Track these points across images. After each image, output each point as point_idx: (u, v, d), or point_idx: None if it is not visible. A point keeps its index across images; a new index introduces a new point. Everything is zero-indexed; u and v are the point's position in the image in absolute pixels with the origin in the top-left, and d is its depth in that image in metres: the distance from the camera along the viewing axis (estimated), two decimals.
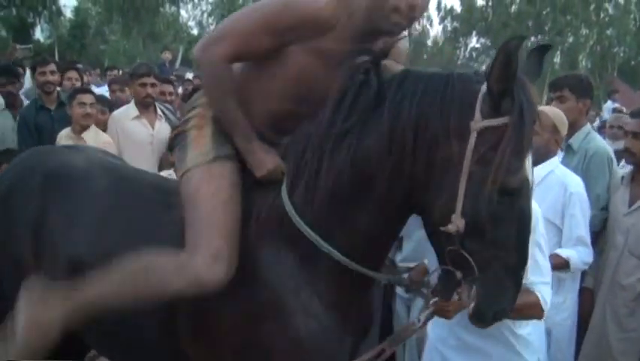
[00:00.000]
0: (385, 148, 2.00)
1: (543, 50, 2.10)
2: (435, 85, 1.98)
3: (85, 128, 4.89)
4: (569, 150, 4.05)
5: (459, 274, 2.00)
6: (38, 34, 34.63)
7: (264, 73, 2.26)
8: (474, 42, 39.06)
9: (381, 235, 2.18)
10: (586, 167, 3.91)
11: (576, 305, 3.70)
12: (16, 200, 2.55)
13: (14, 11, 33.48)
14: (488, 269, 1.96)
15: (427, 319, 2.29)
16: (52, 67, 5.77)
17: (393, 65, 2.28)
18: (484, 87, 1.91)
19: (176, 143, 2.41)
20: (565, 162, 3.84)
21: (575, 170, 3.72)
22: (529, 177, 1.97)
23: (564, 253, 3.39)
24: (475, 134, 1.89)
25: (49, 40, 33.23)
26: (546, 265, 2.72)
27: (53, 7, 34.10)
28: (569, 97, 4.05)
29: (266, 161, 2.23)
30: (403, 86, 2.01)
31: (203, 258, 2.08)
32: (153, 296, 2.14)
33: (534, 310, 2.61)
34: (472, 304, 2.02)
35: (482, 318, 2.04)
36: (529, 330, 2.82)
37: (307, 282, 2.18)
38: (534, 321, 2.82)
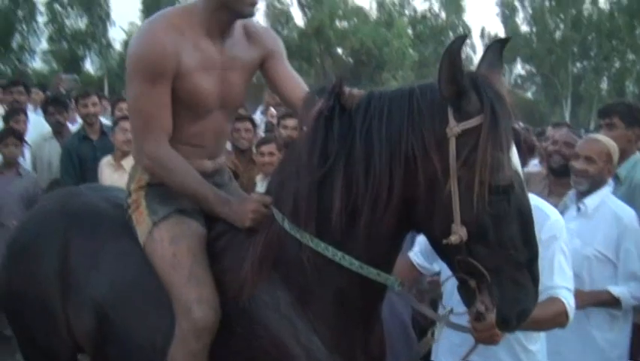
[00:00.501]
0: (363, 177, 1.98)
1: (501, 44, 2.05)
2: (400, 102, 1.97)
3: (126, 154, 4.91)
4: (615, 179, 3.87)
5: (472, 283, 1.94)
6: (88, 66, 35.71)
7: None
8: (518, 69, 38.83)
9: (382, 253, 2.12)
10: (631, 197, 3.78)
11: (628, 341, 3.52)
12: (41, 243, 2.62)
13: (65, 45, 34.60)
14: (501, 271, 1.91)
15: (471, 350, 2.22)
16: (94, 99, 5.92)
17: None
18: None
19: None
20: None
21: (621, 199, 3.58)
22: (519, 171, 1.94)
23: (616, 290, 3.25)
24: (454, 140, 1.87)
25: (99, 72, 34.24)
26: (570, 272, 2.67)
27: (103, 41, 35.17)
28: (619, 125, 3.97)
29: (245, 210, 2.26)
30: (369, 110, 1.99)
31: (186, 320, 2.20)
32: None
33: (560, 319, 2.55)
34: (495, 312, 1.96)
35: (507, 321, 1.96)
36: (539, 347, 2.76)
37: (307, 322, 2.16)
38: (543, 337, 2.78)
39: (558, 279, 2.59)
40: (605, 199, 3.42)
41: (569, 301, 2.56)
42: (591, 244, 3.32)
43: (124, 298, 2.44)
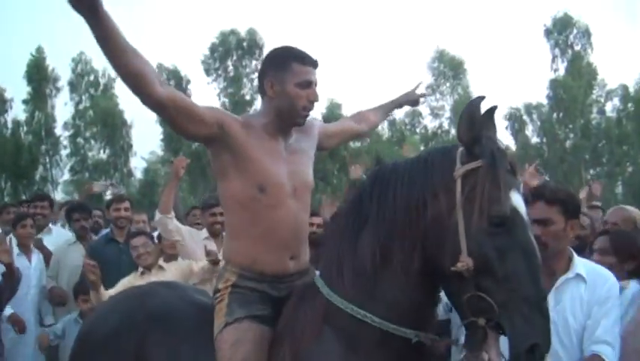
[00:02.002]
0: (392, 226, 2.30)
1: (491, 112, 2.29)
2: (419, 158, 2.39)
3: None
4: None
5: (481, 321, 2.08)
6: (109, 195, 36.41)
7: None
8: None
9: (411, 301, 2.31)
10: None
11: None
12: (119, 337, 2.74)
13: (87, 175, 35.56)
14: (509, 306, 2.05)
15: None
16: (127, 204, 6.26)
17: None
18: (460, 149, 2.23)
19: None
20: None
21: None
22: (520, 210, 2.16)
23: None
24: (460, 180, 2.17)
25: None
26: (617, 332, 2.71)
27: (124, 170, 36.18)
28: None
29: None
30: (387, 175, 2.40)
31: None
32: None
33: None
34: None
35: (517, 356, 2.04)
36: None
37: None
38: None
39: (602, 334, 2.65)
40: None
41: (609, 356, 2.61)
42: None
43: None
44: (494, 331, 2.09)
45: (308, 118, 2.74)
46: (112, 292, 4.48)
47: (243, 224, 2.64)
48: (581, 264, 2.87)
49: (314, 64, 2.66)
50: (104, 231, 6.83)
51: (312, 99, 2.63)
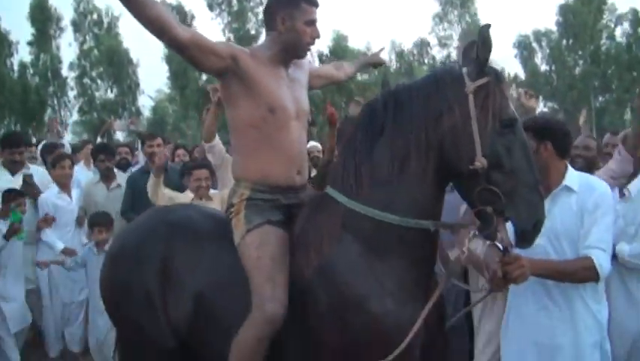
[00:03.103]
0: (409, 137, 2.64)
1: (487, 29, 2.60)
2: (429, 78, 2.75)
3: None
4: None
5: (489, 209, 2.51)
6: (119, 134, 36.63)
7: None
8: (541, 107, 38.96)
9: (428, 198, 2.69)
10: None
11: None
12: (146, 246, 3.08)
13: (95, 115, 35.64)
14: (513, 194, 2.50)
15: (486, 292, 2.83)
16: (159, 140, 6.58)
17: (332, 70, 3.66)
18: (464, 69, 2.62)
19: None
20: None
21: None
22: (517, 117, 2.61)
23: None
24: (472, 95, 2.56)
25: (128, 138, 35.11)
26: (608, 238, 2.99)
27: (132, 108, 36.24)
28: None
29: None
30: (406, 87, 2.74)
31: (259, 310, 2.70)
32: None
33: (589, 272, 2.88)
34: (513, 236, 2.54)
35: (526, 234, 2.55)
36: (600, 308, 3.08)
37: (375, 269, 2.69)
38: (604, 302, 3.11)
39: (594, 241, 2.93)
40: None
41: (600, 260, 2.87)
42: (633, 223, 3.60)
43: (218, 287, 2.91)
44: (500, 216, 2.52)
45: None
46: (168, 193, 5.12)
47: (254, 143, 2.95)
48: (573, 177, 3.16)
49: (317, 4, 3.00)
50: (136, 165, 7.31)
51: (315, 36, 3.01)
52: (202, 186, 5.16)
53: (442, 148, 2.61)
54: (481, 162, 2.50)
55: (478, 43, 2.56)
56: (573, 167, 3.44)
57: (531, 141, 3.08)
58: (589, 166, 4.34)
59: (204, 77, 34.78)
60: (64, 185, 6.19)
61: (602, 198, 3.06)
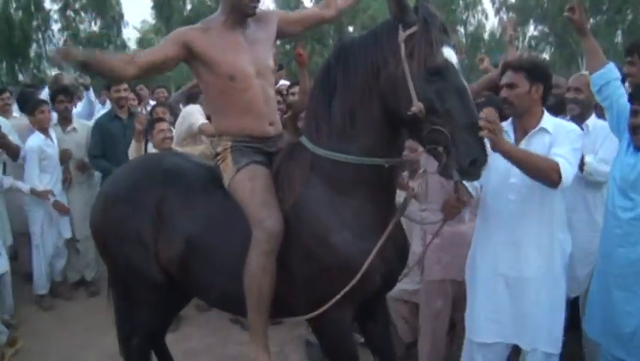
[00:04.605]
0: (355, 89, 2.93)
1: None
2: (370, 31, 2.97)
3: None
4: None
5: (440, 148, 2.73)
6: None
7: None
8: (532, 30, 38.56)
9: (379, 141, 2.99)
10: None
11: None
12: (142, 190, 3.40)
13: (80, 49, 34.99)
14: (454, 134, 2.70)
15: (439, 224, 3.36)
16: (125, 85, 6.76)
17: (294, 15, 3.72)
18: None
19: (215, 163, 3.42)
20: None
21: None
22: (452, 60, 2.78)
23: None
24: (403, 44, 2.76)
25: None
26: (574, 158, 3.22)
27: (117, 42, 35.66)
28: (637, 62, 4.24)
29: None
30: (348, 48, 3.00)
31: (260, 229, 3.01)
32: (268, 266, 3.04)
33: (552, 174, 3.09)
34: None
35: (463, 171, 2.75)
36: (566, 237, 3.39)
37: (337, 205, 3.04)
38: (568, 232, 3.41)
39: (562, 152, 3.16)
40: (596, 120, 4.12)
41: (565, 168, 3.09)
42: (592, 152, 3.96)
43: (210, 225, 3.22)
44: (450, 154, 2.72)
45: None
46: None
47: (225, 106, 3.31)
48: (549, 121, 3.40)
49: None
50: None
51: None
52: (167, 136, 5.36)
53: (384, 96, 2.87)
54: (417, 107, 2.71)
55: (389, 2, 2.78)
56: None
57: (524, 81, 3.31)
58: (558, 103, 4.53)
59: (189, 6, 34.20)
60: (45, 130, 6.38)
61: (573, 133, 3.32)
